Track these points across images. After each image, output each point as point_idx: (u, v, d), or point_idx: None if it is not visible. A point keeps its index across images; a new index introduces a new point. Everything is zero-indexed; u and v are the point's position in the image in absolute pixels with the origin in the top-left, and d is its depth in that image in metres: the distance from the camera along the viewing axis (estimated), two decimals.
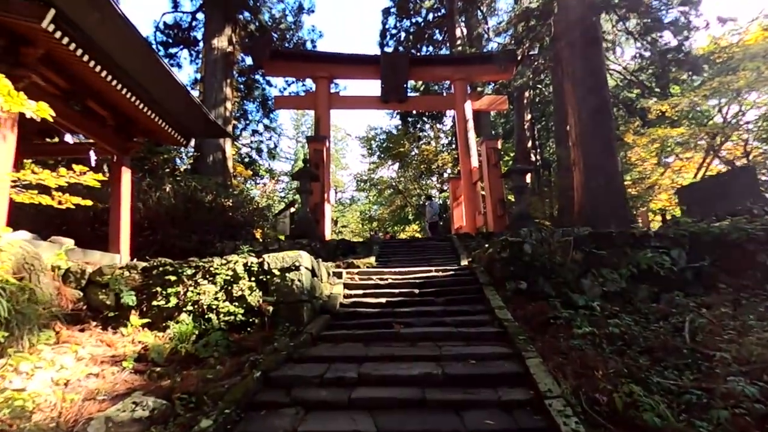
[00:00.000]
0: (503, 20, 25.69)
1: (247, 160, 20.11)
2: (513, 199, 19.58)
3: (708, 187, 9.25)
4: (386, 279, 6.81)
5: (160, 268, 5.27)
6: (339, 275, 6.84)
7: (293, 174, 13.00)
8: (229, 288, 5.17)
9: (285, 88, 21.78)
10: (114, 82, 6.77)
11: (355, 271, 7.23)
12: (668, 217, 12.58)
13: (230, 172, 15.33)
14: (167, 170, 15.74)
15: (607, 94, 15.35)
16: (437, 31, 25.25)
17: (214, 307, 5.03)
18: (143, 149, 15.87)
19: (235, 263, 5.31)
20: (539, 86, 25.98)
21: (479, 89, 20.36)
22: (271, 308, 5.03)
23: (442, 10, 24.48)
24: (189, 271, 5.22)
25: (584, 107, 14.31)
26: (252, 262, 5.33)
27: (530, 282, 5.89)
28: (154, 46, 19.15)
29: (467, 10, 22.55)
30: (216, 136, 11.83)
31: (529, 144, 23.78)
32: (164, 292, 5.11)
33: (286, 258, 5.29)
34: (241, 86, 20.01)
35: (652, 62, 19.73)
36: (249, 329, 4.94)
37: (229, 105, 15.26)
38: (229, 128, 15.42)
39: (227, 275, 5.21)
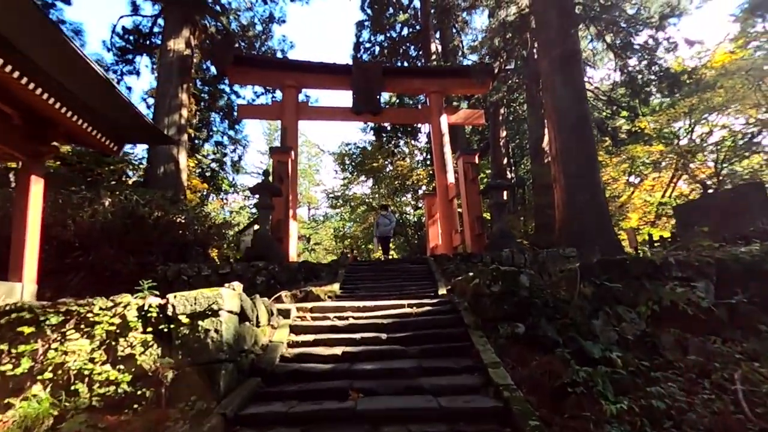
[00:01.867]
0: (478, 38, 25.05)
1: (209, 173, 18.29)
2: (489, 217, 18.41)
3: (710, 205, 8.16)
4: (346, 318, 5.24)
5: (12, 315, 3.57)
6: (286, 314, 5.24)
7: (251, 188, 11.39)
8: (113, 343, 3.51)
9: (254, 100, 20.23)
10: (8, 69, 5.17)
11: (309, 306, 5.63)
12: (656, 237, 11.50)
13: (184, 185, 13.55)
14: (113, 182, 13.84)
15: (587, 108, 14.44)
16: (412, 47, 24.27)
17: (86, 372, 3.35)
18: (87, 159, 13.96)
19: (125, 307, 3.66)
20: (513, 104, 25.30)
21: (455, 104, 19.29)
22: (171, 373, 3.40)
23: (417, 26, 23.57)
24: (54, 319, 3.54)
25: (564, 122, 13.30)
26: (151, 305, 3.69)
27: (529, 324, 4.45)
28: (110, 52, 17.36)
29: (443, 25, 21.66)
30: (157, 142, 10.13)
31: (504, 161, 22.85)
32: (14, 351, 3.42)
33: (199, 299, 3.68)
34: (205, 95, 18.31)
35: (627, 81, 19.16)
36: (136, 406, 3.28)
37: (185, 112, 13.56)
38: (185, 137, 13.70)
39: (111, 324, 3.56)
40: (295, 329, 4.92)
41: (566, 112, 13.31)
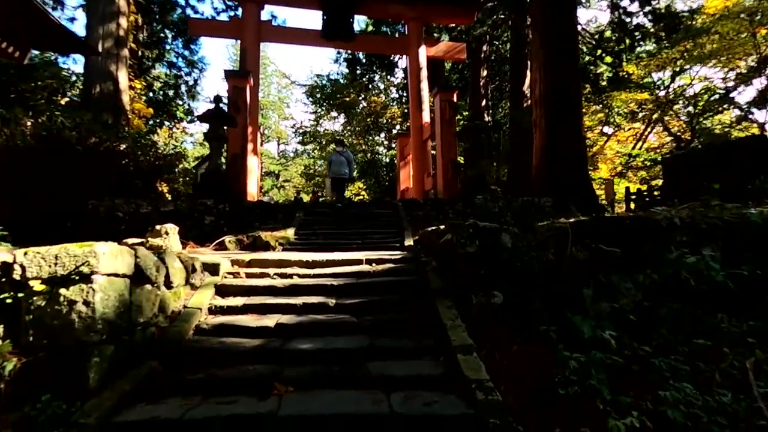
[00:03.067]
0: None
1: (162, 98, 16.17)
2: (463, 161, 17.39)
3: (704, 157, 7.39)
4: (290, 276, 4.25)
5: None
6: (214, 269, 4.17)
7: (199, 116, 9.82)
8: None
9: (214, 17, 17.63)
10: None
11: (247, 258, 4.58)
12: (632, 189, 10.88)
13: (125, 108, 11.71)
14: (40, 101, 11.84)
15: (578, 48, 13.17)
16: None
17: None
18: (11, 72, 11.83)
19: None
20: (496, 42, 23.53)
21: (435, 35, 17.45)
22: (13, 362, 2.36)
23: None
24: None
25: (552, 61, 12.00)
26: None
27: (510, 293, 3.60)
28: None
29: None
30: (76, 50, 8.34)
31: (483, 103, 21.51)
32: None
33: (63, 258, 2.56)
34: (155, 6, 15.68)
35: (617, 22, 17.71)
36: None
37: (123, 21, 11.37)
38: (125, 52, 11.61)
39: None
40: (222, 290, 3.90)
41: (555, 51, 11.98)
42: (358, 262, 4.65)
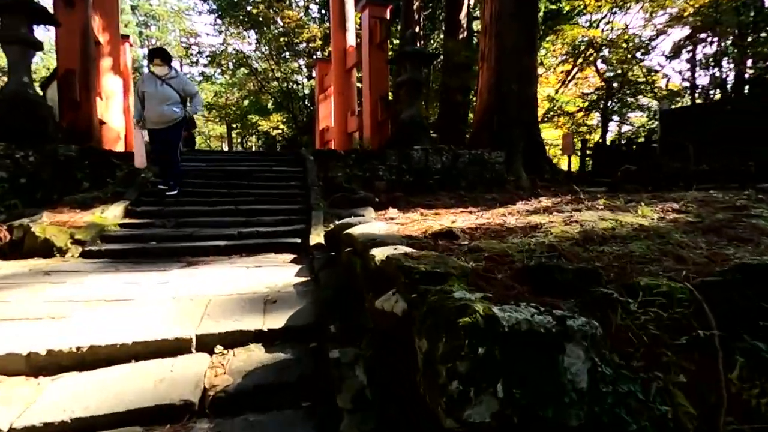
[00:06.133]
0: None
1: None
2: (392, 98, 14.33)
3: (719, 113, 5.36)
4: None
5: None
6: None
7: None
8: None
9: None
10: None
11: None
12: (591, 143, 8.95)
13: None
14: None
15: None
16: None
17: None
18: None
19: None
20: None
21: None
22: None
23: None
24: None
25: None
26: None
27: None
28: None
29: None
30: None
31: (416, 31, 18.08)
32: None
33: None
34: None
35: None
36: None
37: None
38: None
39: None
40: None
41: None
42: (180, 347, 1.79)
